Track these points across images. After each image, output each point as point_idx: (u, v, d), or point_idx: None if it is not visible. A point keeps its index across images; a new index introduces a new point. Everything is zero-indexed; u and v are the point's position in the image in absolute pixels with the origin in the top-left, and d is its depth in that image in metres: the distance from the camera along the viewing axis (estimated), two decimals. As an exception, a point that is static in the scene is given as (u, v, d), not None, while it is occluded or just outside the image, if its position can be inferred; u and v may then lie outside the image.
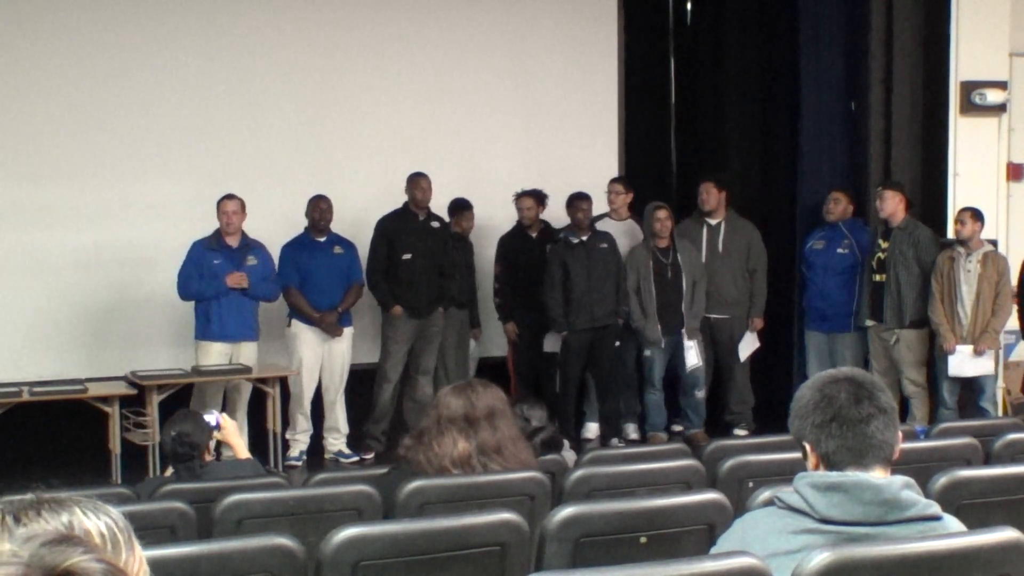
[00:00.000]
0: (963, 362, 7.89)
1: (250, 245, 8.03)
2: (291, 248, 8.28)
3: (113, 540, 1.42)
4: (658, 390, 8.70)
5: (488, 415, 4.03)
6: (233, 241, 7.94)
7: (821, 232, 8.73)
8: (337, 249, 8.33)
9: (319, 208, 8.24)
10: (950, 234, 8.41)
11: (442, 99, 9.38)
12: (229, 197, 7.93)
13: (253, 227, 8.67)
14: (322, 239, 8.30)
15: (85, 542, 1.37)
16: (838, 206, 8.60)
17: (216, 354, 7.91)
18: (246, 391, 7.99)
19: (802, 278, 8.91)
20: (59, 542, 1.33)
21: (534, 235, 8.89)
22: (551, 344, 8.71)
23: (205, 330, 7.91)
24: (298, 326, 8.24)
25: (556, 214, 8.97)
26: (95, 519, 1.42)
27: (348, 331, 8.35)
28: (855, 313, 8.51)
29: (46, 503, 1.42)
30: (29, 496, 1.44)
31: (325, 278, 8.24)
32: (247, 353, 7.98)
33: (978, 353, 7.87)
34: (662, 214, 8.54)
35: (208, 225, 8.28)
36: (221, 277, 7.84)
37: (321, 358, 8.27)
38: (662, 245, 8.58)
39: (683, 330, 8.53)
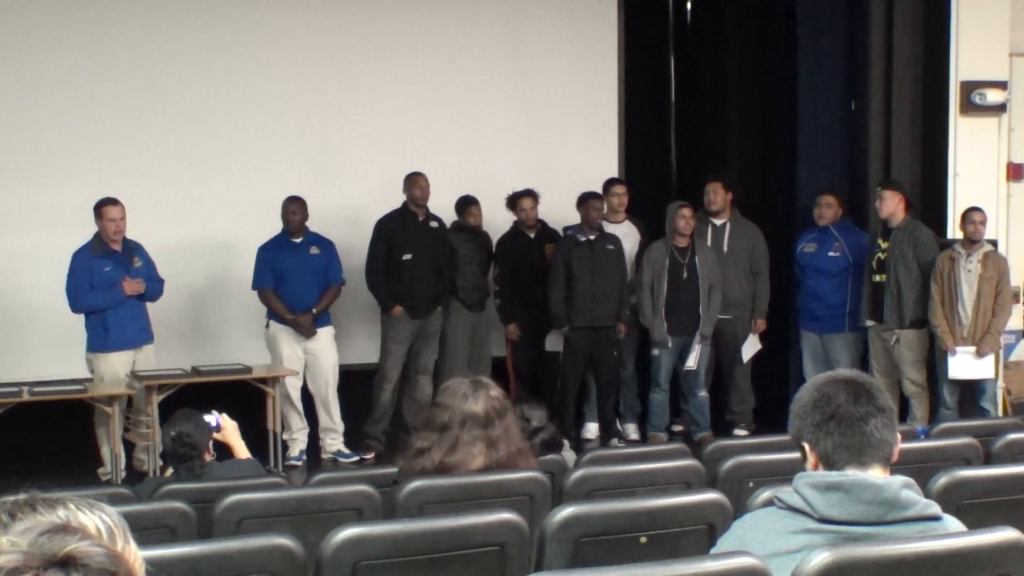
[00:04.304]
0: (964, 365, 7.88)
1: (132, 247, 7.79)
2: (266, 249, 8.24)
3: (109, 534, 1.42)
4: (663, 390, 8.69)
5: (500, 413, 3.99)
6: (117, 245, 7.70)
7: (811, 235, 8.72)
8: (314, 249, 8.28)
9: (288, 210, 8.19)
10: (950, 234, 8.41)
11: (442, 99, 9.38)
12: (113, 202, 7.64)
13: (254, 228, 8.69)
14: (298, 240, 8.26)
15: (83, 530, 1.37)
16: (830, 210, 8.59)
17: (117, 363, 7.68)
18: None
19: (795, 279, 8.90)
20: (57, 531, 1.33)
21: (532, 235, 8.88)
22: (553, 343, 8.70)
23: (104, 341, 7.65)
24: (276, 328, 8.22)
25: (552, 213, 8.98)
26: (90, 514, 1.42)
27: (325, 331, 8.29)
28: (851, 313, 8.51)
29: (40, 501, 1.43)
30: (23, 496, 1.44)
31: (301, 279, 8.19)
32: (147, 357, 7.81)
33: (980, 355, 7.87)
34: (687, 212, 8.49)
35: (205, 224, 8.28)
36: (117, 285, 7.62)
37: (303, 358, 8.25)
38: (681, 244, 8.54)
39: (697, 333, 8.52)
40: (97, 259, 7.65)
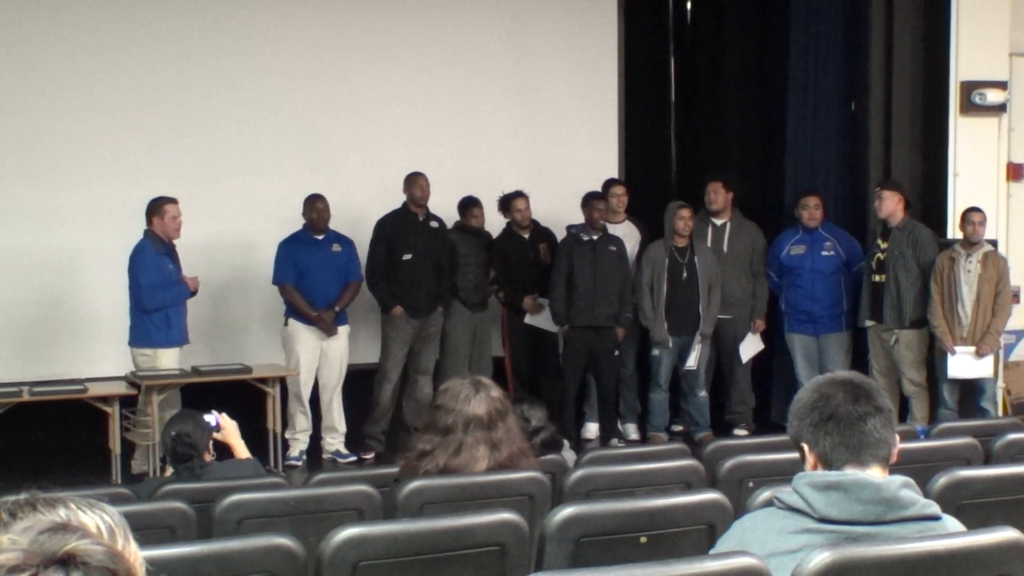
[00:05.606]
0: (964, 364, 7.88)
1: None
2: (288, 245, 8.23)
3: (110, 533, 1.41)
4: (663, 390, 8.69)
5: (501, 414, 3.98)
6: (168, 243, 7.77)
7: (796, 237, 8.71)
8: (335, 247, 8.30)
9: (316, 208, 8.20)
10: (950, 234, 8.41)
11: (442, 99, 9.39)
12: (173, 201, 7.70)
13: (254, 227, 8.71)
14: (320, 236, 8.27)
15: (83, 529, 1.37)
16: (819, 211, 8.60)
17: (175, 359, 7.74)
18: None
19: (774, 283, 8.84)
20: (57, 530, 1.33)
21: (527, 236, 8.86)
22: (533, 319, 8.68)
23: (166, 336, 7.68)
24: (295, 325, 8.20)
25: (552, 213, 8.97)
26: (91, 514, 1.42)
27: (344, 330, 8.31)
28: (847, 312, 8.52)
29: (41, 500, 1.43)
30: (23, 495, 1.44)
31: (323, 276, 8.20)
32: (182, 354, 7.88)
33: (980, 355, 7.87)
34: (686, 213, 8.50)
35: (205, 224, 8.27)
36: (180, 281, 7.71)
37: (318, 357, 8.25)
38: (680, 244, 8.54)
39: (697, 332, 8.53)
40: (161, 257, 7.68)
